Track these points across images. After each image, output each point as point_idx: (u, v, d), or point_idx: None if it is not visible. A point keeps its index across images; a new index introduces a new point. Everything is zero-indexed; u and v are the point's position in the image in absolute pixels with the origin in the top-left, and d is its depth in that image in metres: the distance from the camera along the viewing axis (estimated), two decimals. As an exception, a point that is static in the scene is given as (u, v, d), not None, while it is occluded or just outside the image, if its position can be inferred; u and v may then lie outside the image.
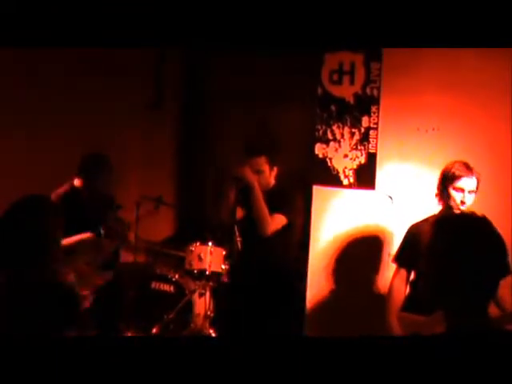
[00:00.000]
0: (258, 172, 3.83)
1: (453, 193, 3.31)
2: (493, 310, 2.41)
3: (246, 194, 3.78)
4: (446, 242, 1.74)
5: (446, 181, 3.33)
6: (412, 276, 3.54)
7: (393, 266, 3.62)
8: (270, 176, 3.90)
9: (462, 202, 3.29)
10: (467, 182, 3.29)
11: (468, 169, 3.31)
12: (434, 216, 3.34)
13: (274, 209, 3.73)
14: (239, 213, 3.93)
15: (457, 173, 3.29)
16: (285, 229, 3.76)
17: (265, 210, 3.71)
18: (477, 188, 3.33)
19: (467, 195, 3.29)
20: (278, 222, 3.75)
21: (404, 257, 3.51)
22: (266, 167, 3.88)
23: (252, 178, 3.74)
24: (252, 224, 3.78)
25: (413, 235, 3.46)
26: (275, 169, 3.92)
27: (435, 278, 1.76)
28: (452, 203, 3.31)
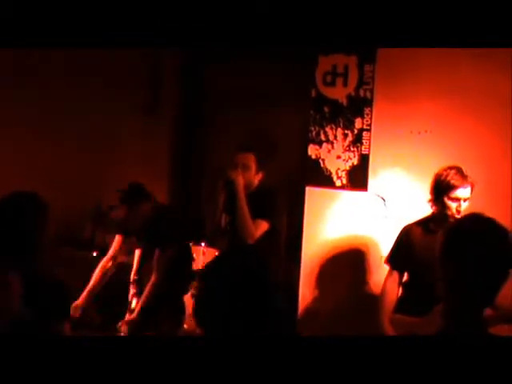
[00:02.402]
0: (244, 167, 3.80)
1: (448, 202, 3.27)
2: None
3: (232, 200, 3.76)
4: (460, 244, 1.76)
5: (441, 189, 3.28)
6: (405, 278, 3.54)
7: (385, 268, 3.63)
8: (255, 177, 3.86)
9: (458, 211, 3.26)
10: (462, 192, 3.26)
11: (463, 177, 3.26)
12: (448, 222, 3.27)
13: (255, 214, 3.71)
14: (225, 219, 3.92)
15: (452, 182, 3.25)
16: (268, 234, 3.74)
17: (248, 218, 3.68)
18: (471, 194, 3.32)
19: (462, 203, 3.27)
20: (260, 228, 3.73)
21: (397, 258, 3.51)
22: (252, 164, 3.83)
23: (240, 182, 3.71)
24: (237, 230, 3.76)
25: (406, 237, 3.46)
26: (260, 173, 3.87)
27: (445, 277, 1.77)
28: (448, 212, 3.28)
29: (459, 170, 3.29)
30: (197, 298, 1.84)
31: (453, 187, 3.24)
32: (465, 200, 3.28)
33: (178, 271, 4.00)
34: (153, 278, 3.93)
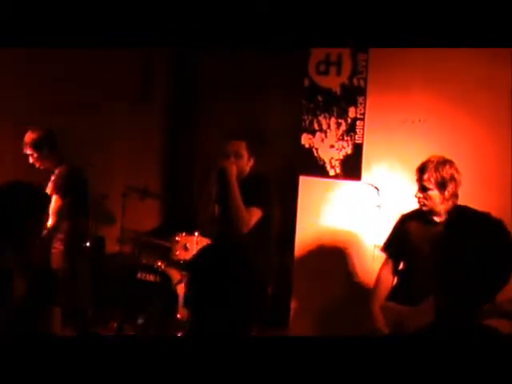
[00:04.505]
0: (236, 155, 3.78)
1: (418, 193, 3.27)
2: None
3: (224, 189, 3.73)
4: (459, 237, 1.71)
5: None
6: (400, 266, 3.54)
7: (378, 258, 3.63)
8: (247, 164, 3.84)
9: (422, 203, 3.24)
10: (421, 178, 3.22)
11: (423, 165, 3.21)
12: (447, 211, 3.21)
13: (248, 202, 3.69)
14: (219, 209, 3.90)
15: (425, 164, 3.20)
16: (260, 222, 3.72)
17: (242, 207, 3.66)
18: (438, 186, 3.18)
19: (429, 194, 3.20)
20: (253, 216, 3.70)
21: (393, 246, 3.50)
22: (244, 152, 3.80)
23: (233, 170, 3.68)
24: (230, 220, 3.73)
25: (403, 225, 3.44)
26: (252, 160, 3.86)
27: (441, 269, 1.74)
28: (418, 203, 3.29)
29: (444, 162, 3.20)
30: (187, 288, 1.83)
31: (422, 169, 3.21)
32: (423, 190, 3.22)
33: (73, 221, 4.39)
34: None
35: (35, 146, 4.25)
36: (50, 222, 4.19)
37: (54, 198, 4.22)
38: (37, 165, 4.31)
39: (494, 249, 1.68)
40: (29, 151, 4.26)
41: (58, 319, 2.33)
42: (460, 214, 1.88)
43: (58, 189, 4.25)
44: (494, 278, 1.69)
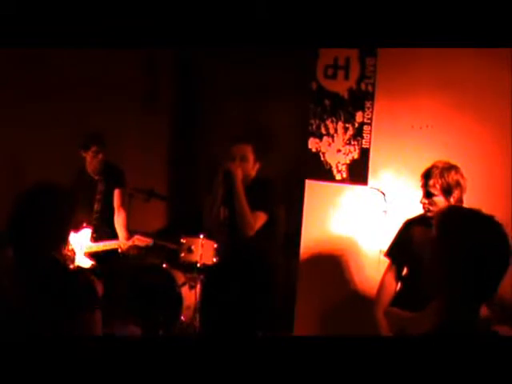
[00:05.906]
0: (242, 158, 3.78)
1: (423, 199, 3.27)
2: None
3: (230, 193, 3.74)
4: (453, 235, 1.74)
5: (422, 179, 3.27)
6: (404, 271, 3.52)
7: (384, 263, 3.62)
8: (253, 168, 3.84)
9: (427, 209, 3.24)
10: (426, 183, 3.22)
11: (428, 170, 3.21)
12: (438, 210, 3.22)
13: (253, 205, 3.69)
14: (224, 212, 3.90)
15: (430, 169, 3.20)
16: (266, 225, 3.72)
17: (247, 210, 3.66)
18: (443, 192, 3.18)
19: (434, 200, 3.20)
20: (259, 220, 3.71)
21: (397, 252, 3.49)
22: (250, 156, 3.81)
23: (239, 174, 3.68)
24: (235, 223, 3.74)
25: (406, 231, 3.43)
26: (258, 164, 3.86)
27: (439, 269, 1.75)
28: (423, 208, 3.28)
29: (449, 167, 3.19)
30: (205, 294, 1.84)
31: (427, 175, 3.20)
32: (427, 195, 3.21)
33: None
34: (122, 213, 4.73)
35: (102, 142, 4.62)
36: (121, 216, 4.67)
37: (117, 192, 4.72)
38: (98, 158, 4.61)
39: (486, 245, 1.71)
40: (94, 148, 4.58)
41: (99, 322, 2.31)
42: (450, 213, 1.91)
43: (122, 183, 4.75)
44: (489, 272, 1.71)
